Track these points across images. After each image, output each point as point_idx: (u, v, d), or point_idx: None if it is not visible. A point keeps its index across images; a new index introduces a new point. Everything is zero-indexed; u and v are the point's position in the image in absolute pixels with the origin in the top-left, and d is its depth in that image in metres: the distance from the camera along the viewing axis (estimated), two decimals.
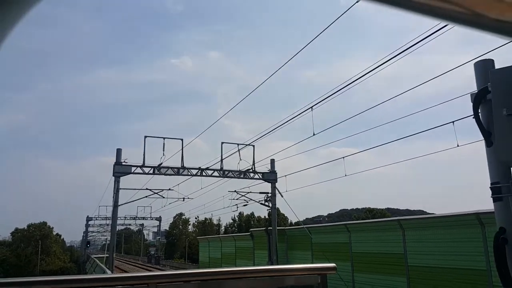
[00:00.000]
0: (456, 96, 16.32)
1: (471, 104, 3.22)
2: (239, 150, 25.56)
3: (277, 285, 2.07)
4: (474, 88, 3.32)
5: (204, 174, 25.80)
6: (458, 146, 15.69)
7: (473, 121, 3.24)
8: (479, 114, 3.24)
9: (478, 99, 3.19)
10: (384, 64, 13.79)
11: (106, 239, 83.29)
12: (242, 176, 26.54)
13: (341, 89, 16.36)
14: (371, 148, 32.42)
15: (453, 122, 14.78)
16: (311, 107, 18.52)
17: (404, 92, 16.46)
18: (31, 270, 62.99)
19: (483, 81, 3.21)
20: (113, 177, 24.76)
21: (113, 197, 25.57)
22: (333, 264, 2.20)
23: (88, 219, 70.58)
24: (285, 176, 27.23)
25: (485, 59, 3.30)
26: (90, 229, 75.76)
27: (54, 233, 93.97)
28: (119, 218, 37.35)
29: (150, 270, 50.62)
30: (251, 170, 26.49)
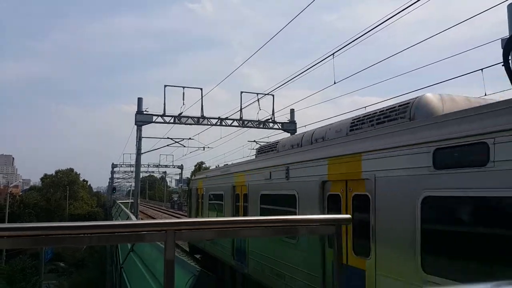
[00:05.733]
0: (486, 42, 15.58)
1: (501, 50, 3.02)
2: (258, 100, 25.38)
3: (293, 234, 2.10)
4: (505, 33, 3.10)
5: (223, 123, 25.91)
6: (486, 95, 15.14)
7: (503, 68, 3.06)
8: (510, 61, 3.05)
9: (509, 45, 2.98)
10: (410, 7, 13.02)
11: (131, 185, 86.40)
12: (261, 126, 26.55)
13: (363, 34, 15.68)
14: (394, 97, 31.64)
15: (481, 69, 14.18)
16: (332, 54, 17.95)
17: (430, 37, 15.73)
18: (61, 214, 66.08)
19: None
20: (135, 126, 25.18)
21: (136, 145, 26.14)
22: (348, 216, 2.21)
23: (113, 166, 72.73)
24: (305, 126, 27.06)
25: None
26: (115, 175, 78.28)
27: (81, 179, 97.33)
28: (142, 166, 38.31)
29: (173, 216, 52.53)
30: (270, 120, 26.44)
